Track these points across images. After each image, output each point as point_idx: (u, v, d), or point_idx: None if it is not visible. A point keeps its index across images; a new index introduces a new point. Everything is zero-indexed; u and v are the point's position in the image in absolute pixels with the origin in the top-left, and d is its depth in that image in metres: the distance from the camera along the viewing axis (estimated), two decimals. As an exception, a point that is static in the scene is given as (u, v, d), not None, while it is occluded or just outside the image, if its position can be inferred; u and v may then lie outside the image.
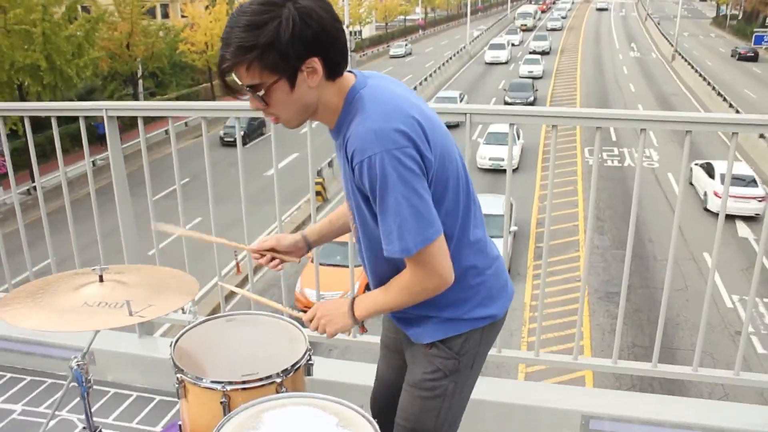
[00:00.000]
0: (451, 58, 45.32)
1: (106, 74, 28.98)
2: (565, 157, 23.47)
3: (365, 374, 2.35)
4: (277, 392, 1.72)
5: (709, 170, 18.43)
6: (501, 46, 48.99)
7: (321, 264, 13.85)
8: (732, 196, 15.62)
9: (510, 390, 2.89)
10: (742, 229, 16.93)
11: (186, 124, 26.06)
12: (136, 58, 27.78)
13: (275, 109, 1.50)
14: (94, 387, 1.96)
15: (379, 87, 1.53)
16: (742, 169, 18.04)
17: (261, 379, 1.72)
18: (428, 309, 1.67)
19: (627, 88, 38.33)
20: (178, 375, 1.77)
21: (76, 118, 2.98)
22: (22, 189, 18.96)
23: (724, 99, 31.18)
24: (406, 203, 1.43)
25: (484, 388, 2.15)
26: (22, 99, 21.12)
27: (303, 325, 1.85)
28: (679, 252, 15.36)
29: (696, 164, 19.19)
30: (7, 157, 3.16)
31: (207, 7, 35.64)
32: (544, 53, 49.70)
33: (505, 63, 47.13)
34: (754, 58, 46.18)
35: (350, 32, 30.73)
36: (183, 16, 36.90)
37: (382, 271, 1.67)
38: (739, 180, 16.81)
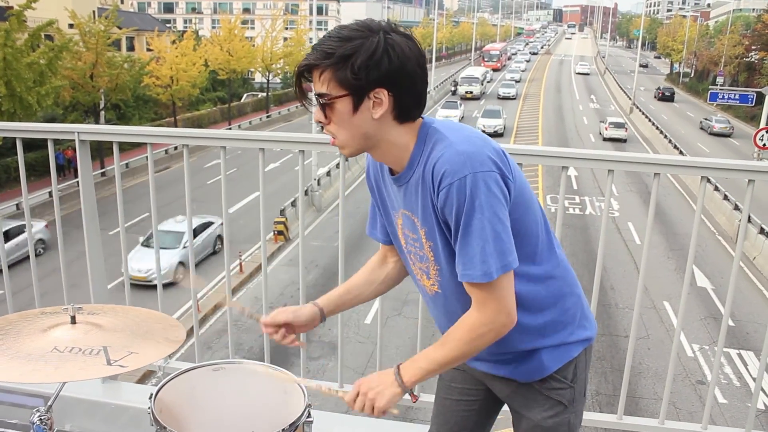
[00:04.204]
0: None
1: (68, 104, 28.41)
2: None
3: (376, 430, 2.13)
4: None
5: None
6: None
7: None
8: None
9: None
10: (701, 279, 17.19)
11: (147, 158, 25.59)
12: (99, 89, 27.29)
13: (334, 128, 1.48)
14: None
15: (451, 121, 1.55)
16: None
17: (254, 441, 1.51)
18: (534, 340, 1.62)
19: (587, 138, 39.22)
20: (159, 433, 1.53)
21: (33, 147, 2.74)
22: (-29, 218, 18.21)
23: (681, 152, 32.08)
24: (490, 227, 1.41)
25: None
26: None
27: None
28: (640, 300, 15.43)
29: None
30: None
31: (174, 42, 35.48)
32: (497, 135, 36.72)
33: None
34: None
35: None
36: (149, 50, 36.63)
37: None
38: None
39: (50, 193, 17.97)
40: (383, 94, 1.43)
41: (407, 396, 1.58)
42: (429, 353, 1.55)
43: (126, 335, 1.61)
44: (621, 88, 60.83)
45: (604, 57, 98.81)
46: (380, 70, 1.41)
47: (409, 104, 1.47)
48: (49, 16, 23.49)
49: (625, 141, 37.74)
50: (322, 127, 1.51)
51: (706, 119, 44.13)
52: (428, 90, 1.56)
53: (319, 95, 1.45)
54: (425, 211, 1.50)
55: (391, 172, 1.59)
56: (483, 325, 1.48)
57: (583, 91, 62.83)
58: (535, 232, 1.57)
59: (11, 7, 21.24)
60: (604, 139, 38.25)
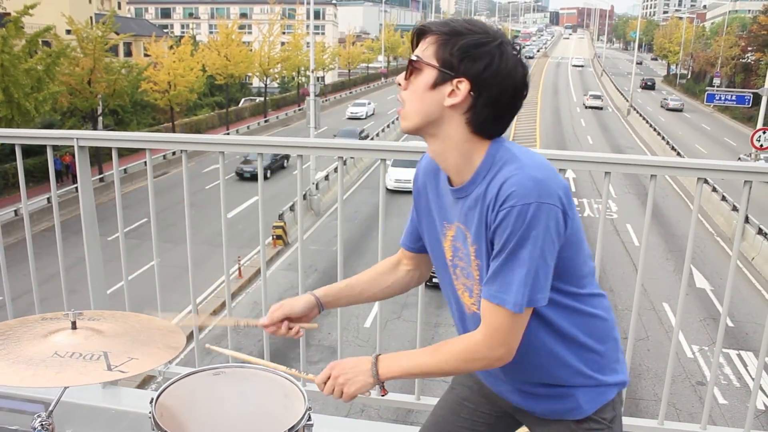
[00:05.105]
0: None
1: (65, 110, 28.41)
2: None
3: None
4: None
5: None
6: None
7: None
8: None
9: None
10: (700, 280, 17.20)
11: (145, 163, 25.59)
12: (97, 95, 27.29)
13: (407, 95, 1.48)
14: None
15: (522, 146, 1.51)
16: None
17: (255, 444, 1.51)
18: (571, 377, 1.58)
19: (585, 140, 39.27)
20: (160, 437, 1.54)
21: (31, 153, 2.75)
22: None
23: (678, 153, 32.12)
24: (536, 262, 1.38)
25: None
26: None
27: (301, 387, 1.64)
28: (640, 302, 15.45)
29: None
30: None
31: (171, 47, 35.51)
32: None
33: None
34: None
35: (316, 78, 30.82)
36: (146, 55, 36.65)
37: None
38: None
39: (49, 199, 17.99)
40: (465, 86, 1.41)
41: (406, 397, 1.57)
42: (415, 356, 1.53)
43: (126, 341, 1.62)
44: (618, 90, 60.94)
45: (600, 58, 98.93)
46: (476, 63, 1.40)
47: (487, 117, 1.44)
48: (47, 22, 23.53)
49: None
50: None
51: (664, 99, 57.82)
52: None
53: (414, 57, 1.47)
54: (479, 229, 1.46)
55: (450, 182, 1.55)
56: (480, 351, 1.46)
57: (580, 94, 62.88)
58: (583, 271, 1.55)
59: (9, 14, 21.25)
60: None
